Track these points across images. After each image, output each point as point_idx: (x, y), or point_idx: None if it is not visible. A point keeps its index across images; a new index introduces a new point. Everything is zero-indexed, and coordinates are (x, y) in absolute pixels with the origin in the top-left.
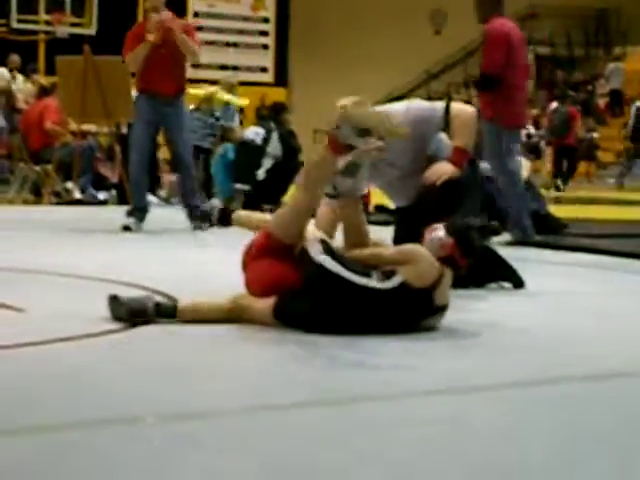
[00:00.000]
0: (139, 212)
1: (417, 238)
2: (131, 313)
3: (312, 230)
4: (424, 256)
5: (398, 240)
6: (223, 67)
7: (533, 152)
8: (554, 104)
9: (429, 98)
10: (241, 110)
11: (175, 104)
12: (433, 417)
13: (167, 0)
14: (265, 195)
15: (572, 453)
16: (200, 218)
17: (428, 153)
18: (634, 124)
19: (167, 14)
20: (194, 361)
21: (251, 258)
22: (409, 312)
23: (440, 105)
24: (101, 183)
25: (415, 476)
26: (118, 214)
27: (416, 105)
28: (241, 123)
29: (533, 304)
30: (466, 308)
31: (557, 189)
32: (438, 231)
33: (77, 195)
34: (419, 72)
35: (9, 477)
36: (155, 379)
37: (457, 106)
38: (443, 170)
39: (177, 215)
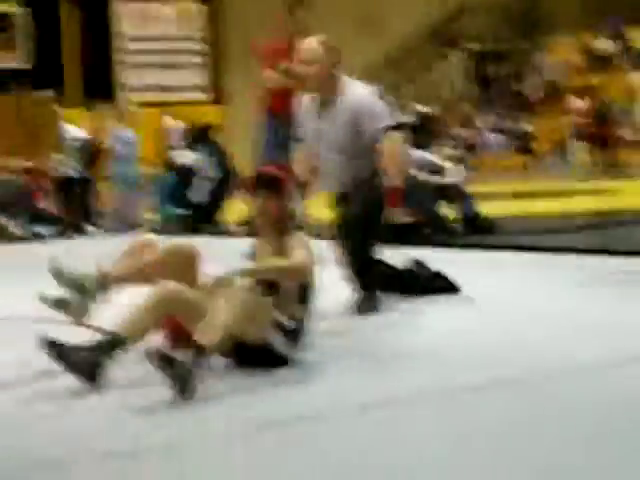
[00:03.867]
0: None
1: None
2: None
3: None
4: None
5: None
6: (163, 89)
7: (469, 147)
8: (578, 102)
9: None
10: None
11: None
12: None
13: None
14: (202, 217)
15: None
16: None
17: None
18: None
19: None
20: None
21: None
22: None
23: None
24: (40, 217)
25: None
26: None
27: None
28: None
29: (458, 309)
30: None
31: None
32: None
33: (16, 232)
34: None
35: None
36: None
37: (386, 145)
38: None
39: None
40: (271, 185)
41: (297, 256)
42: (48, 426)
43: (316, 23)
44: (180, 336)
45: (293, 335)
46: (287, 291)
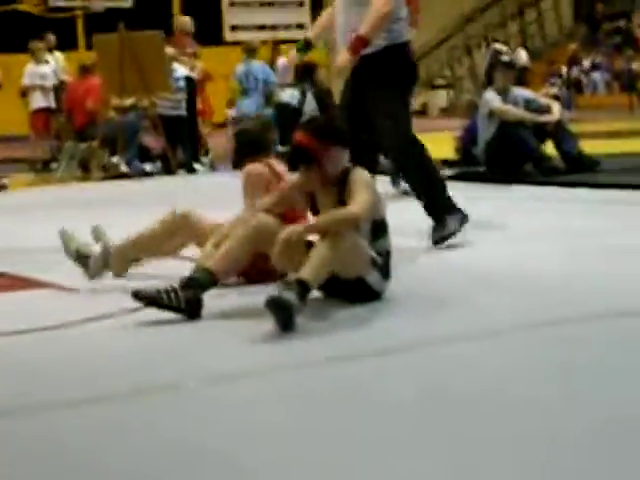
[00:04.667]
0: None
1: None
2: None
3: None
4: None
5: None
6: (261, 27)
7: (576, 86)
8: None
9: (466, 43)
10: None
11: None
12: (448, 364)
13: None
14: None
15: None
16: None
17: None
18: None
19: None
20: None
21: None
22: None
23: None
24: (146, 155)
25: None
26: (164, 184)
27: None
28: None
29: (551, 246)
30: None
31: None
32: None
33: (123, 168)
34: (455, 16)
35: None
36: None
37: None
38: (339, 61)
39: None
40: (306, 158)
41: (357, 199)
42: (154, 351)
43: None
44: (258, 273)
45: (383, 269)
46: (362, 230)
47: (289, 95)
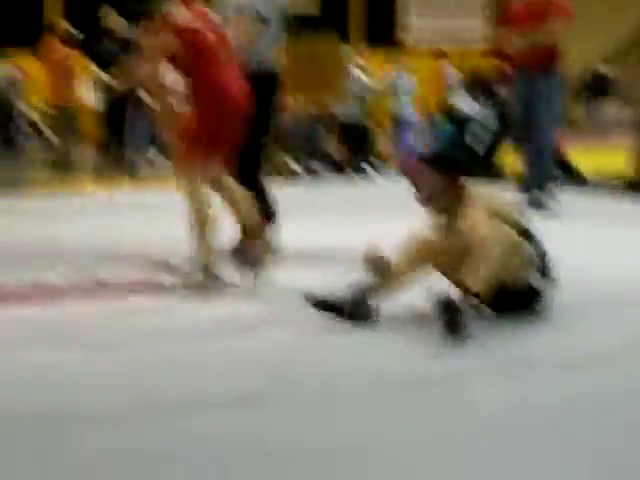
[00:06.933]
0: None
1: None
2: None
3: None
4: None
5: None
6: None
7: None
8: None
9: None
10: None
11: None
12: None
13: None
14: (476, 166)
15: None
16: None
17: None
18: None
19: None
20: None
21: None
22: None
23: None
24: (322, 157)
25: None
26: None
27: None
28: None
29: None
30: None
31: None
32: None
33: (296, 169)
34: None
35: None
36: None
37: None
38: None
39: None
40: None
41: (478, 276)
42: (327, 355)
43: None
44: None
45: (542, 270)
46: None
47: (474, 108)
